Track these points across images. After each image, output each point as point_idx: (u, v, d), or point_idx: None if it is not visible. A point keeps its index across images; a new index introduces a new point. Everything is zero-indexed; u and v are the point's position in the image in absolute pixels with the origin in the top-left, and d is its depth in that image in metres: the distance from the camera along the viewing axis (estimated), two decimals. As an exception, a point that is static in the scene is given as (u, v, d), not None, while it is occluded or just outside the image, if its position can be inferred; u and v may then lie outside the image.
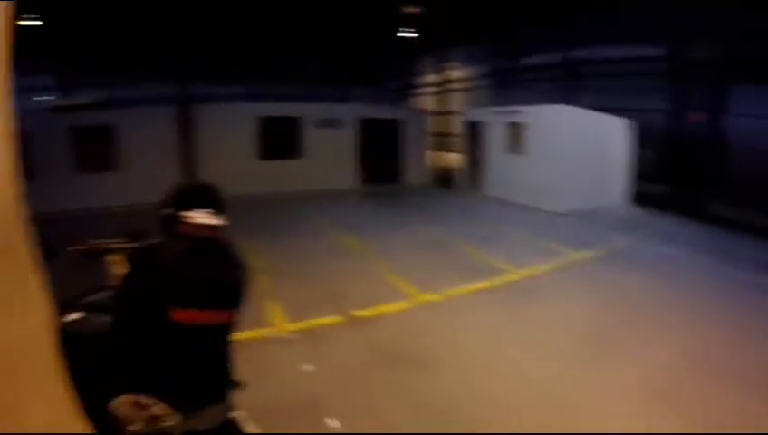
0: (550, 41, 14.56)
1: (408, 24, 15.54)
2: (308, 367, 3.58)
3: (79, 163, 10.60)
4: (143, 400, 1.48)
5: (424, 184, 13.19)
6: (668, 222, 8.71)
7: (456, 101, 19.95)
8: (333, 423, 2.86)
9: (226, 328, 1.71)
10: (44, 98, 19.14)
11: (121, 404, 1.47)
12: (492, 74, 18.02)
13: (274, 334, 4.16)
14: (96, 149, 10.59)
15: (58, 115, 14.43)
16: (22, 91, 20.77)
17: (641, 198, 10.16)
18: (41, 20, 13.02)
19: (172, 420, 1.49)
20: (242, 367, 3.28)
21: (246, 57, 20.22)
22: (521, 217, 9.03)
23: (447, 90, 21.25)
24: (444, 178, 13.69)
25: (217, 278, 1.65)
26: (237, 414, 1.81)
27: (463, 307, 4.67)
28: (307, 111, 11.98)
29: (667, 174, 10.48)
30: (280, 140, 11.62)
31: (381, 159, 13.09)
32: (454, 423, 2.84)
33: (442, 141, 19.86)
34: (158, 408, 1.48)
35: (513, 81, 16.76)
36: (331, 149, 11.92)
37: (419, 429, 2.80)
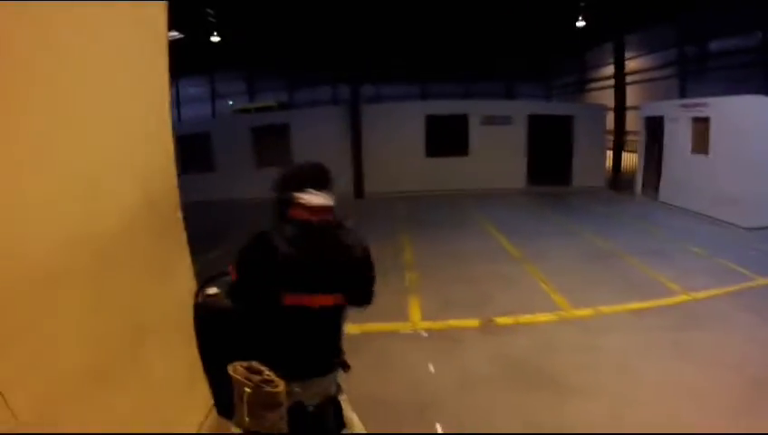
0: (744, 19, 11.47)
1: (579, 12, 14.00)
2: (430, 367, 3.49)
3: (257, 158, 12.59)
4: (256, 365, 1.57)
5: (596, 186, 11.70)
6: None
7: (634, 95, 17.22)
8: (438, 429, 2.77)
9: (336, 309, 1.71)
10: (232, 102, 23.50)
11: (237, 367, 1.57)
12: (674, 62, 14.96)
13: (407, 330, 4.14)
14: (272, 146, 12.42)
15: (242, 116, 17.42)
16: (219, 96, 25.82)
17: None
18: (238, 34, 16.10)
19: (280, 385, 1.54)
20: (365, 355, 3.32)
21: (414, 57, 21.12)
22: (701, 230, 7.34)
23: (623, 82, 18.47)
24: (618, 181, 11.91)
25: (328, 262, 1.63)
26: (343, 397, 1.83)
27: (614, 328, 3.96)
28: (474, 108, 11.87)
29: None
30: (447, 138, 11.75)
31: (551, 159, 12.12)
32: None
33: (618, 140, 17.51)
34: (268, 374, 1.55)
35: (699, 69, 13.70)
36: (498, 147, 11.56)
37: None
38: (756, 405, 2.80)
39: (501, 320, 4.21)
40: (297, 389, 1.66)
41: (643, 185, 10.54)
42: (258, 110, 17.88)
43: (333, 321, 1.76)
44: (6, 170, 1.39)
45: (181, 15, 13.76)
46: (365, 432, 2.10)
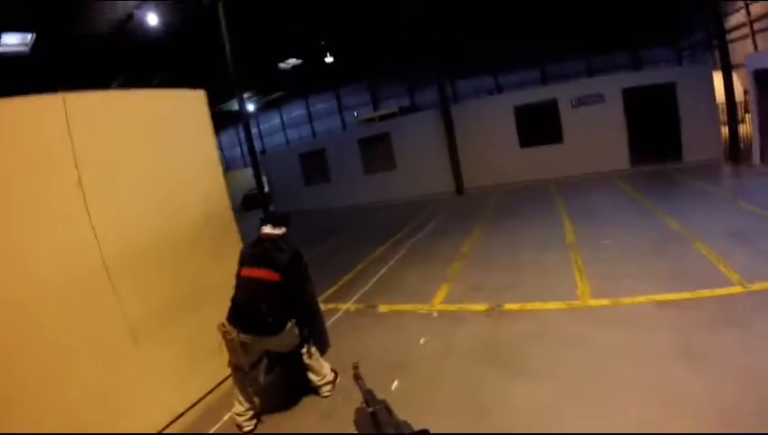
0: None
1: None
2: (421, 340, 4.11)
3: (365, 167, 14.28)
4: (224, 321, 2.89)
5: (711, 159, 9.72)
6: None
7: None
8: (394, 385, 3.41)
9: (273, 284, 2.94)
10: (356, 114, 25.94)
11: (219, 323, 2.95)
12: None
13: (423, 310, 4.81)
14: (377, 154, 13.98)
15: (350, 130, 19.50)
16: (346, 108, 28.64)
17: None
18: (354, 51, 18.35)
19: (232, 334, 2.87)
20: (381, 326, 4.33)
21: (499, 48, 20.40)
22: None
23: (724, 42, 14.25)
24: (736, 151, 9.67)
25: (265, 253, 3.07)
26: (306, 350, 3.24)
27: (621, 321, 3.67)
28: (562, 91, 11.29)
29: None
30: (538, 127, 11.53)
31: (656, 134, 10.77)
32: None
33: (731, 103, 13.81)
34: (225, 326, 2.89)
35: None
36: (594, 128, 10.76)
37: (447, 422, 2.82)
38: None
39: (508, 306, 4.44)
40: (246, 340, 2.92)
41: (761, 153, 8.22)
42: (382, 118, 19.14)
43: (271, 292, 2.89)
44: (126, 195, 3.16)
45: (297, 45, 16.50)
46: (330, 379, 3.38)
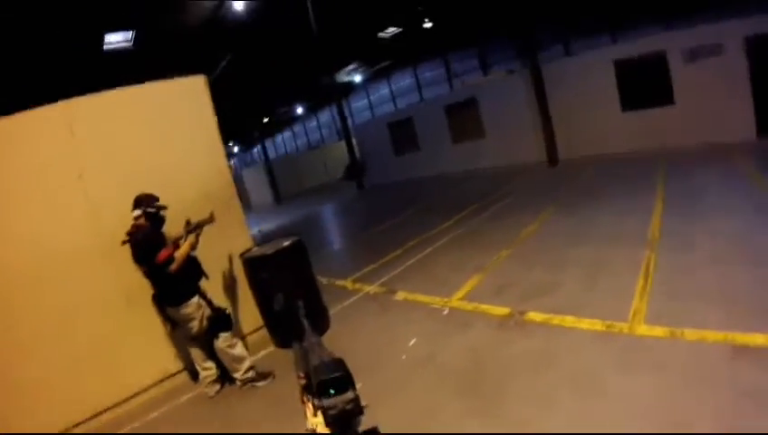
0: None
1: None
2: (412, 341, 3.63)
3: (452, 134, 13.34)
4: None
5: None
6: None
7: None
8: (358, 385, 2.98)
9: (156, 267, 3.02)
10: (464, 80, 24.19)
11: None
12: None
13: (438, 305, 4.26)
14: (464, 121, 12.88)
15: (436, 97, 18.26)
16: (456, 76, 27.07)
17: None
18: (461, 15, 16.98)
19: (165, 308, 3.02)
20: (385, 316, 4.42)
21: (601, 5, 16.29)
22: None
23: None
24: None
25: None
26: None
27: (673, 367, 2.50)
28: (672, 41, 8.60)
29: None
30: (644, 86, 9.16)
31: None
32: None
33: None
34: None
35: None
36: (711, 88, 8.05)
37: None
38: None
39: (532, 315, 3.55)
40: (169, 310, 2.91)
41: None
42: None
43: (161, 272, 3.01)
44: (126, 178, 3.49)
45: (394, 13, 15.87)
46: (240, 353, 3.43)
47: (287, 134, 42.19)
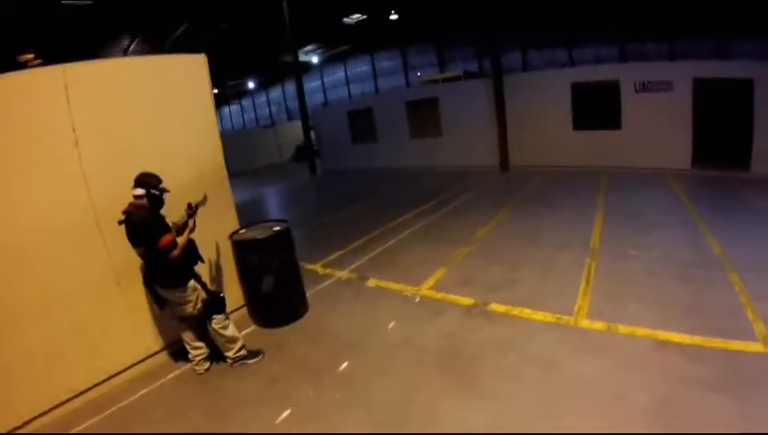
0: None
1: None
2: (390, 324, 3.97)
3: (411, 130, 13.77)
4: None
5: None
6: None
7: None
8: (343, 366, 3.35)
9: (157, 251, 3.01)
10: (420, 74, 24.75)
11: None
12: None
13: (408, 293, 4.65)
14: (424, 118, 13.36)
15: (398, 91, 18.58)
16: (412, 69, 27.41)
17: None
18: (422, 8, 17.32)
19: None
20: (359, 301, 4.63)
21: (560, 20, 17.95)
22: None
23: None
24: None
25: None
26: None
27: (610, 354, 3.16)
28: (627, 72, 9.75)
29: None
30: (596, 109, 10.18)
31: (725, 134, 9.15)
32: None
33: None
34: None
35: None
36: (657, 119, 9.25)
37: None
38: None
39: (494, 306, 4.08)
40: (162, 292, 3.08)
41: None
42: (446, 80, 17.83)
43: (159, 257, 3.03)
44: (118, 155, 3.35)
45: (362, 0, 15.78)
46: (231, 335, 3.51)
47: (234, 108, 40.09)
